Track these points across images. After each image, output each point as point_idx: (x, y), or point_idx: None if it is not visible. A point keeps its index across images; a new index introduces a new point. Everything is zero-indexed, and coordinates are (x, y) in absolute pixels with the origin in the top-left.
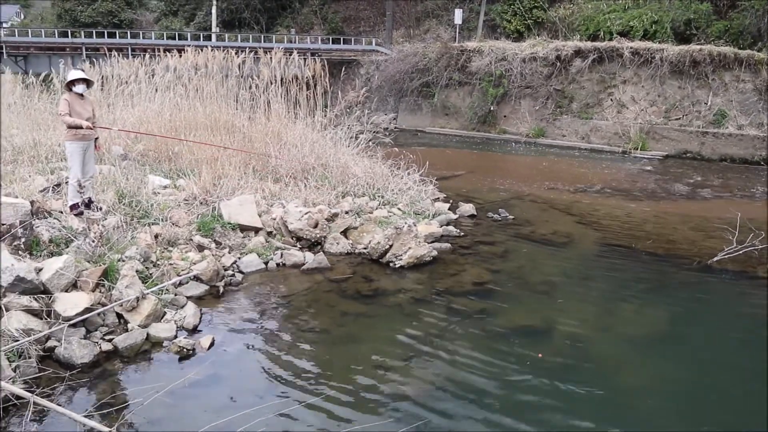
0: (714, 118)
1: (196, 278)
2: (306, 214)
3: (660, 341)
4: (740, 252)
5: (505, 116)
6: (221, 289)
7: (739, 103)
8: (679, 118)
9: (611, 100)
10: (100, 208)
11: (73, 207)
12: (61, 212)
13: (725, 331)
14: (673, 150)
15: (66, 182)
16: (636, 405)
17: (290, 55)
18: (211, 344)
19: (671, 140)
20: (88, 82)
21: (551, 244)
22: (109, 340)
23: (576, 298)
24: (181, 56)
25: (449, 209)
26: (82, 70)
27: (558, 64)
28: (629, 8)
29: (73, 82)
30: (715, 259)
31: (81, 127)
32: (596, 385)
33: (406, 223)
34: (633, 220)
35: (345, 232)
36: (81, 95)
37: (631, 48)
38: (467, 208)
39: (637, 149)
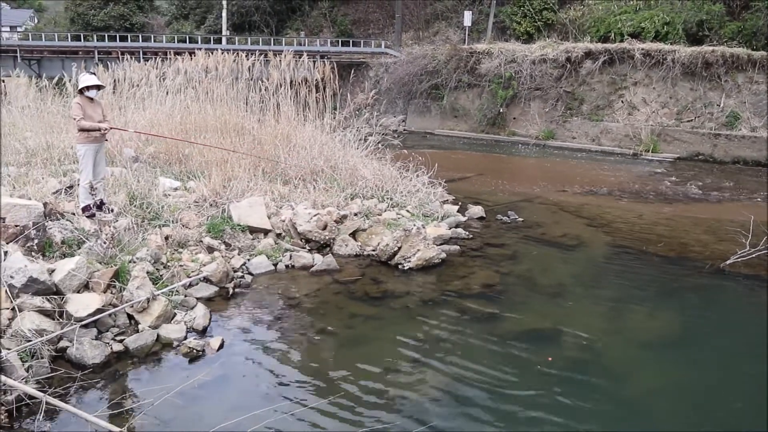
0: (726, 119)
1: (206, 280)
2: (315, 216)
3: (671, 345)
4: (753, 255)
5: (514, 118)
6: (231, 291)
7: (753, 105)
8: (691, 120)
9: (622, 101)
10: (112, 210)
11: (85, 209)
12: (74, 214)
13: (737, 335)
14: (684, 152)
15: (78, 184)
16: (647, 409)
17: (300, 57)
18: (221, 345)
19: (683, 142)
20: (99, 87)
21: (561, 247)
22: (120, 341)
23: (586, 301)
24: (191, 59)
25: (458, 211)
26: (94, 74)
27: (568, 65)
28: (640, 9)
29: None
30: (728, 262)
31: (97, 130)
32: (606, 389)
33: (414, 225)
34: (644, 222)
35: (354, 234)
36: (91, 98)
37: (642, 49)
38: (476, 211)
39: (649, 151)
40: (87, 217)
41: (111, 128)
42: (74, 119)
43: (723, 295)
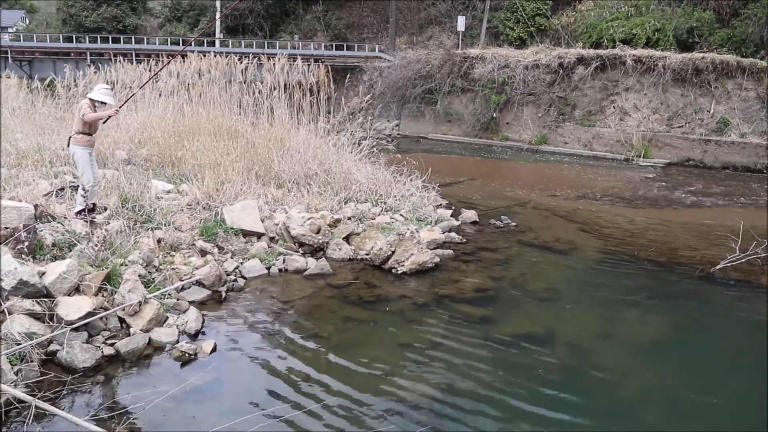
0: (716, 125)
1: (199, 283)
2: (308, 219)
3: (662, 349)
4: (743, 260)
5: (507, 123)
6: (223, 294)
7: (742, 111)
8: (682, 126)
9: (614, 107)
10: (106, 208)
11: (79, 212)
12: (65, 217)
13: (728, 339)
14: (675, 158)
15: (69, 186)
16: (638, 413)
17: (294, 61)
18: (213, 349)
19: (674, 148)
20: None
21: (553, 252)
22: (111, 345)
23: (578, 305)
24: (184, 62)
25: (451, 216)
26: (111, 89)
27: (560, 71)
28: (632, 16)
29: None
30: (718, 267)
31: (104, 120)
32: (598, 393)
33: (408, 229)
34: (635, 227)
35: (347, 238)
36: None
37: (633, 56)
38: (469, 215)
39: (640, 157)
40: (82, 220)
41: (118, 109)
42: (86, 115)
43: (713, 299)
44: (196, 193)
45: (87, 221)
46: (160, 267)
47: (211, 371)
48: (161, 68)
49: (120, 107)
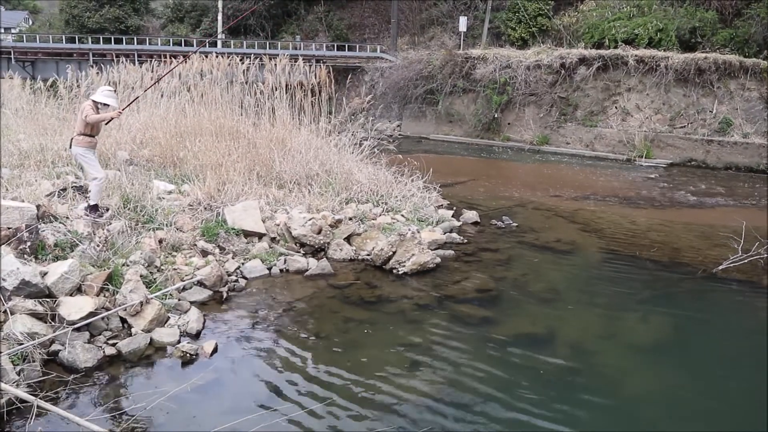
0: (719, 126)
1: (200, 283)
2: (310, 220)
3: (664, 350)
4: (745, 261)
5: (509, 123)
6: (225, 295)
7: (745, 112)
8: (684, 126)
9: (616, 107)
10: (108, 209)
11: (92, 208)
12: (67, 217)
13: (729, 339)
14: (677, 158)
15: (72, 187)
16: (640, 414)
17: (295, 61)
18: (214, 349)
19: (676, 148)
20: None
21: (555, 252)
22: (113, 345)
23: (580, 306)
24: (186, 62)
25: (453, 216)
26: (114, 91)
27: (562, 71)
28: (634, 16)
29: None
30: (720, 267)
31: (109, 119)
32: (600, 394)
33: (409, 229)
34: (637, 228)
35: (348, 239)
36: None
37: (635, 56)
38: (471, 215)
39: (642, 157)
40: (87, 218)
41: (121, 111)
42: (90, 116)
43: (715, 300)
44: (197, 194)
45: (90, 220)
46: (162, 267)
47: (212, 371)
48: (165, 73)
49: (123, 110)
